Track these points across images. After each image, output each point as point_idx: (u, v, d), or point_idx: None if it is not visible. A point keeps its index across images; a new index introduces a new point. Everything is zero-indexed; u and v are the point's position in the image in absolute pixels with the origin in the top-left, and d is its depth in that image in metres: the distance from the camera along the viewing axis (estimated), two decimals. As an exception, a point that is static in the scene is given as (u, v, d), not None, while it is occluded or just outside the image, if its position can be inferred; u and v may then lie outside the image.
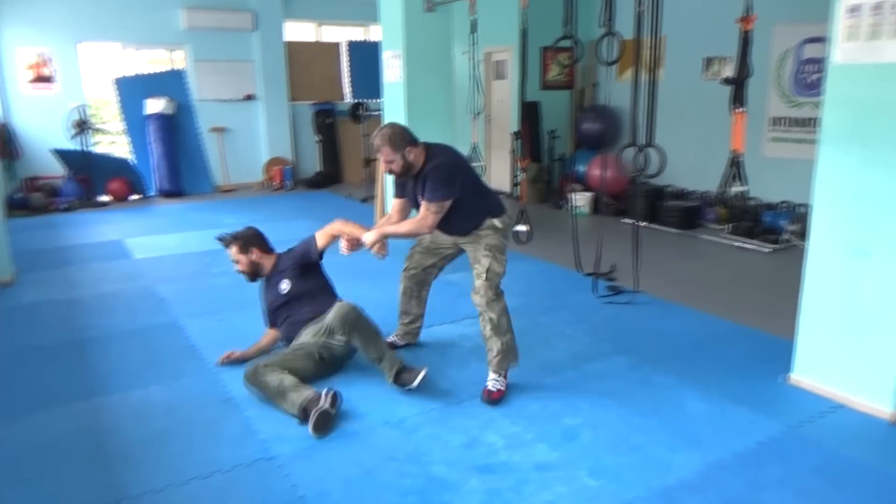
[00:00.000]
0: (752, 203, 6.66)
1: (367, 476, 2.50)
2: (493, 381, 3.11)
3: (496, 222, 3.14)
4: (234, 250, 3.57)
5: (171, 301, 4.56)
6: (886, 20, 2.69)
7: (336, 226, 3.43)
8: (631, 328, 4.01)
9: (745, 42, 3.50)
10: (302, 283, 3.50)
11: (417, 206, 3.20)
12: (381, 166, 3.20)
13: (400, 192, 3.32)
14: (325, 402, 2.79)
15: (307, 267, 3.54)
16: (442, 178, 3.03)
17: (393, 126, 3.15)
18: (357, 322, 3.14)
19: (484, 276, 3.08)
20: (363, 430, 2.82)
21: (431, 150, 3.13)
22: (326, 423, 2.77)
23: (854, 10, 2.79)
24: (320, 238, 3.49)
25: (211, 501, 2.35)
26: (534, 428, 2.83)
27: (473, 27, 5.65)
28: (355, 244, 3.28)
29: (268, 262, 3.60)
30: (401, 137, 3.05)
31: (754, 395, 3.12)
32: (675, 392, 3.16)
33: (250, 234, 3.64)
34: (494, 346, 3.11)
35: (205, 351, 3.68)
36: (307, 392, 2.89)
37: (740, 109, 3.57)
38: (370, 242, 3.17)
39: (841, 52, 2.86)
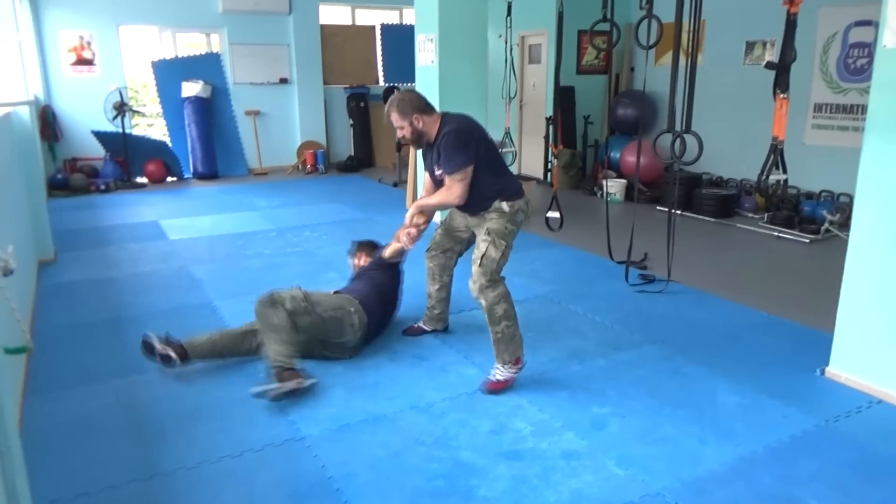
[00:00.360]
0: (791, 192, 6.50)
1: (395, 459, 2.52)
2: (493, 371, 3.05)
3: (504, 206, 3.02)
4: (348, 256, 4.07)
5: (206, 282, 4.64)
6: (941, 2, 2.58)
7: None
8: (663, 317, 3.96)
9: (791, 25, 3.38)
10: (365, 269, 3.78)
11: (433, 176, 3.16)
12: (401, 138, 3.20)
13: (425, 165, 3.29)
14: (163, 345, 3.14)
15: (382, 265, 3.74)
16: (453, 144, 2.95)
17: (404, 93, 3.10)
18: (259, 314, 3.14)
19: (479, 261, 2.98)
20: (391, 414, 2.84)
21: (446, 118, 3.07)
22: (146, 348, 3.16)
23: (906, -9, 2.68)
24: (385, 249, 3.72)
25: (242, 480, 2.40)
26: (562, 416, 2.81)
27: (509, 10, 5.59)
28: (410, 233, 3.31)
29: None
30: (409, 104, 3.01)
31: (789, 388, 3.05)
32: (706, 383, 3.11)
33: (363, 243, 4.06)
34: (491, 335, 3.03)
35: (237, 331, 3.74)
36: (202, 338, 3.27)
37: (783, 95, 3.46)
38: (409, 216, 3.26)
39: (892, 34, 2.75)
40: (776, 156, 3.55)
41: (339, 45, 10.12)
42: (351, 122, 10.14)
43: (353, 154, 10.14)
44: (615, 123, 8.36)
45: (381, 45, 10.34)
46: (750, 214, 6.71)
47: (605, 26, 4.61)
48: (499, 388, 3.01)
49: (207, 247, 5.59)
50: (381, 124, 10.00)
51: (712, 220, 6.58)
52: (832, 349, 3.15)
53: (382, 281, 3.68)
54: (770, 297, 4.25)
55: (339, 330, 3.30)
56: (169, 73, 9.03)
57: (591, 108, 8.60)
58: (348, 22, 10.38)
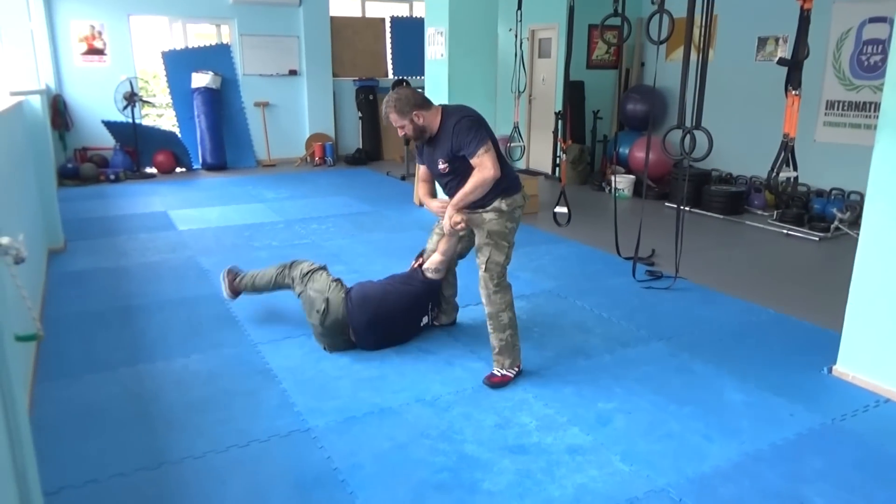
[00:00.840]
0: (801, 189, 6.46)
1: (400, 451, 2.53)
2: (497, 368, 3.10)
3: (502, 204, 2.97)
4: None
5: (214, 272, 4.64)
6: (957, -1, 2.55)
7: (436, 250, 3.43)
8: (669, 314, 3.94)
9: (804, 21, 3.35)
10: (399, 273, 3.62)
11: (434, 169, 3.09)
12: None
13: (420, 159, 3.25)
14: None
15: (413, 276, 3.53)
16: (467, 127, 2.88)
17: (399, 91, 3.02)
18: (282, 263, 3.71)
19: (484, 266, 3.00)
20: (397, 407, 2.85)
21: (447, 110, 3.02)
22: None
23: (922, -12, 2.65)
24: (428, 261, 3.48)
25: (248, 469, 2.41)
26: (567, 411, 2.82)
27: (520, 3, 5.57)
28: (454, 230, 3.10)
29: None
30: (406, 102, 2.95)
31: (795, 386, 3.04)
32: (712, 380, 3.10)
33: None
34: (493, 341, 3.07)
35: (245, 322, 3.76)
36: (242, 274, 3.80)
37: (795, 92, 3.43)
38: (452, 222, 3.01)
39: (906, 32, 2.72)
40: (787, 153, 3.53)
41: (349, 38, 10.10)
42: (360, 114, 10.14)
43: (361, 147, 10.14)
44: (624, 119, 8.33)
45: (391, 37, 10.32)
46: (759, 212, 6.67)
47: (616, 21, 4.59)
48: (500, 381, 3.04)
49: (215, 238, 5.61)
50: (389, 117, 9.98)
51: (721, 217, 6.55)
52: (840, 348, 3.13)
53: (402, 291, 3.44)
54: (778, 295, 4.23)
55: (308, 310, 3.41)
56: (179, 63, 9.05)
57: (600, 104, 8.56)
58: (358, 14, 10.36)
